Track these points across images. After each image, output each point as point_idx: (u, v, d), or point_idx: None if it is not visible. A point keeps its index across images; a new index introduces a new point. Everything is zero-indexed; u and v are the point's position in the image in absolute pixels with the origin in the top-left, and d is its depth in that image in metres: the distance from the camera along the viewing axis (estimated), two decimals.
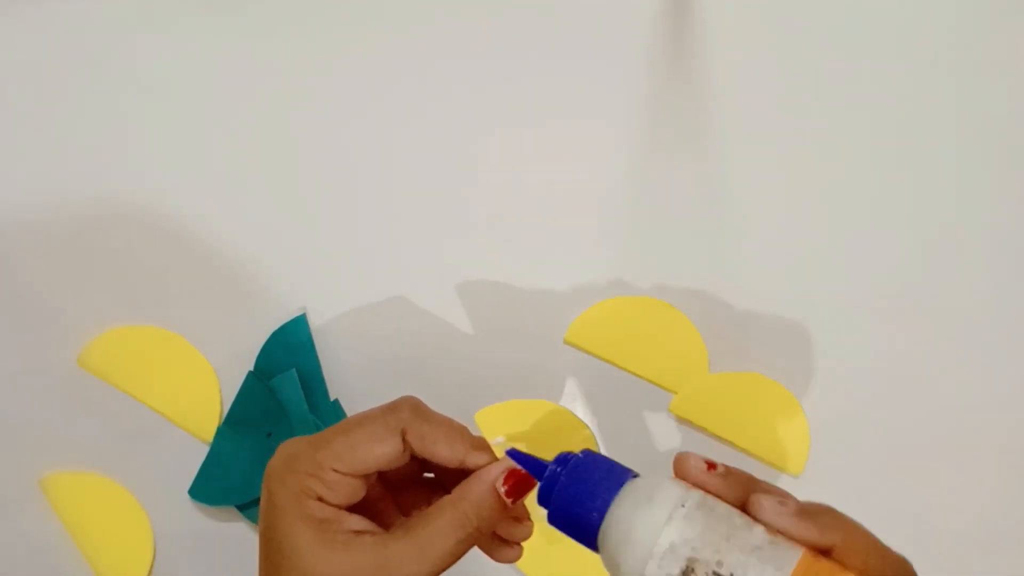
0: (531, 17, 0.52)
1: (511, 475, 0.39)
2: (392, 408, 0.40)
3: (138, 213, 0.52)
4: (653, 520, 0.31)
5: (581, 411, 0.53)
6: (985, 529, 0.51)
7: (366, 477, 0.39)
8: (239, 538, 0.51)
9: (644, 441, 0.53)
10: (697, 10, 0.52)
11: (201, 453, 0.50)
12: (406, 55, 0.52)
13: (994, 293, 0.51)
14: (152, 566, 0.51)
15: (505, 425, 0.40)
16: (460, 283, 0.52)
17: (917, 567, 0.43)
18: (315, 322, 0.51)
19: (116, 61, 0.52)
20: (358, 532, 0.38)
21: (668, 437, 0.52)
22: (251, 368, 0.51)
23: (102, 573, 0.51)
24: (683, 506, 0.31)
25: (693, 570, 0.30)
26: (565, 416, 0.41)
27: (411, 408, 0.40)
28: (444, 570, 0.38)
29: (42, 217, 0.52)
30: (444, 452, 0.39)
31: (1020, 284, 0.53)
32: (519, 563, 0.51)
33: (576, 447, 0.40)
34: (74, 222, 0.52)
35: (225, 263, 0.52)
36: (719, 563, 0.30)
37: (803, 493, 0.54)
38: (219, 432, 0.51)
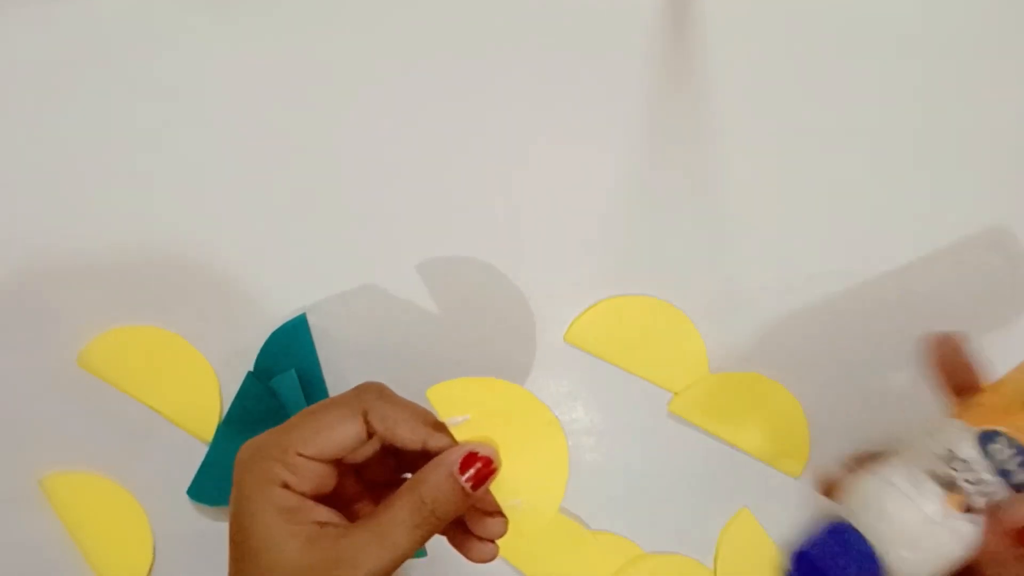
0: (531, 18, 0.52)
1: (468, 459, 0.38)
2: (356, 391, 0.39)
3: (138, 213, 0.52)
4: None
5: (581, 411, 0.53)
6: None
7: (335, 464, 0.39)
8: None
9: (644, 441, 0.53)
10: (697, 11, 0.52)
11: (201, 453, 0.50)
12: (405, 56, 0.52)
13: (997, 293, 0.51)
14: (152, 566, 0.51)
15: (461, 404, 0.39)
16: (460, 283, 0.52)
17: None
18: (315, 322, 0.51)
19: (117, 61, 0.52)
20: (323, 524, 0.37)
21: (668, 437, 0.52)
22: (251, 368, 0.51)
23: (102, 573, 0.51)
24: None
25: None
26: (524, 396, 0.40)
27: (375, 391, 0.39)
28: (405, 557, 0.37)
29: (42, 217, 0.52)
30: (406, 434, 0.38)
31: (1021, 285, 0.53)
32: (520, 563, 0.51)
33: (539, 430, 0.39)
34: (74, 222, 0.52)
35: (225, 263, 0.52)
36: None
37: (803, 493, 0.54)
38: (218, 432, 0.51)
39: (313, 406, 0.39)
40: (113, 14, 0.52)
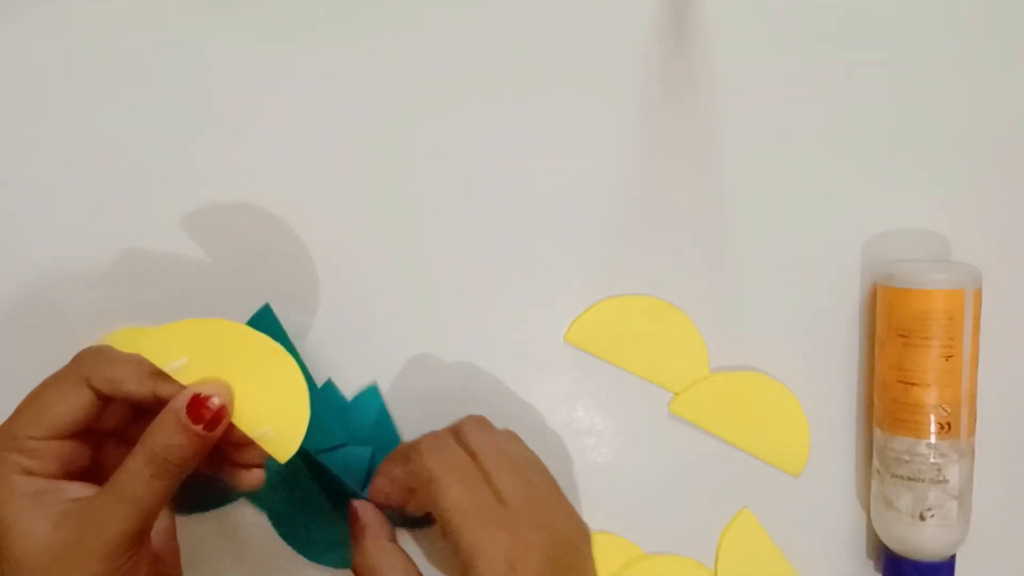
0: (530, 18, 0.52)
1: (194, 401, 0.37)
2: (74, 360, 0.39)
3: (140, 213, 0.52)
4: None
5: (582, 411, 0.53)
6: (984, 529, 0.51)
7: (81, 438, 0.38)
8: (237, 537, 0.51)
9: (644, 441, 0.53)
10: (697, 11, 0.52)
11: None
12: (403, 57, 0.52)
13: (998, 295, 0.51)
14: None
15: (175, 349, 0.38)
16: (460, 282, 0.52)
17: None
18: (316, 322, 0.51)
19: (115, 60, 0.52)
20: (77, 499, 0.37)
21: (668, 437, 0.52)
22: None
23: None
24: None
25: None
26: (238, 329, 0.40)
27: (92, 355, 0.39)
28: (153, 509, 0.36)
29: (44, 218, 0.52)
30: (133, 388, 0.38)
31: (1020, 285, 0.53)
32: None
33: (265, 358, 0.39)
34: (76, 223, 0.52)
35: (227, 263, 0.52)
36: None
37: (803, 493, 0.54)
38: None
39: (35, 388, 0.39)
40: (114, 14, 0.52)
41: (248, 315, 0.51)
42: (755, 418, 0.52)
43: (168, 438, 0.37)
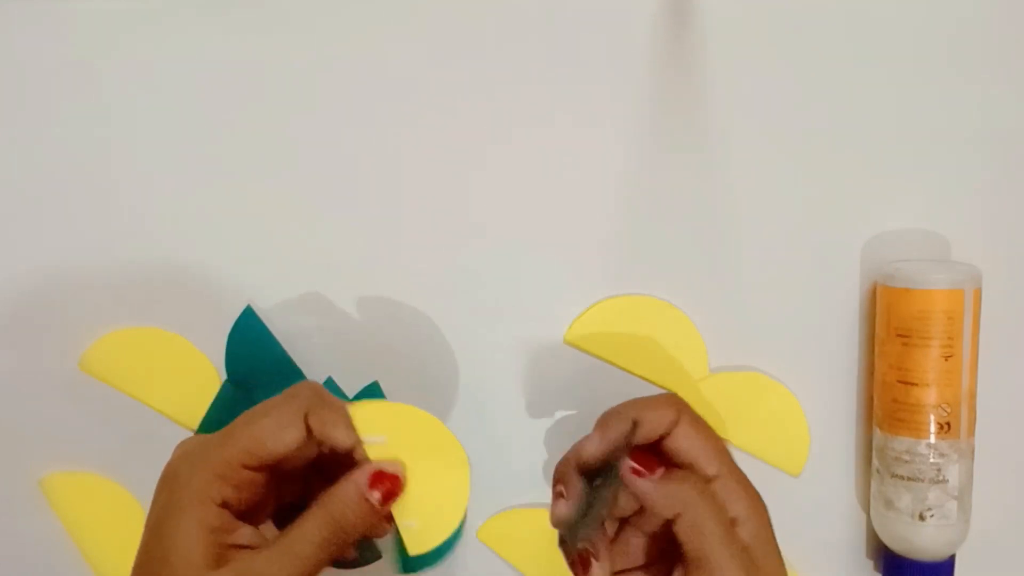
0: (530, 16, 0.52)
1: (376, 476, 0.39)
2: (294, 394, 0.40)
3: (138, 214, 0.52)
4: None
5: (582, 411, 0.53)
6: (984, 529, 0.51)
7: (271, 471, 0.39)
8: None
9: None
10: (698, 10, 0.52)
11: None
12: (405, 55, 0.52)
13: (998, 295, 0.51)
14: None
15: (379, 426, 0.40)
16: (459, 283, 0.52)
17: None
18: (317, 323, 0.51)
19: (115, 60, 0.52)
20: (240, 547, 0.37)
21: None
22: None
23: (102, 573, 0.51)
24: None
25: None
26: (440, 430, 0.41)
27: (312, 391, 0.40)
28: (314, 572, 0.37)
29: (41, 219, 0.52)
30: (340, 436, 0.39)
31: (1020, 285, 0.53)
32: (520, 565, 0.51)
33: (446, 462, 0.41)
34: (74, 224, 0.52)
35: (226, 262, 0.52)
36: None
37: (803, 493, 0.54)
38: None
39: (250, 413, 0.39)
40: (114, 14, 0.52)
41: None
42: (755, 418, 0.52)
43: (346, 505, 0.38)
